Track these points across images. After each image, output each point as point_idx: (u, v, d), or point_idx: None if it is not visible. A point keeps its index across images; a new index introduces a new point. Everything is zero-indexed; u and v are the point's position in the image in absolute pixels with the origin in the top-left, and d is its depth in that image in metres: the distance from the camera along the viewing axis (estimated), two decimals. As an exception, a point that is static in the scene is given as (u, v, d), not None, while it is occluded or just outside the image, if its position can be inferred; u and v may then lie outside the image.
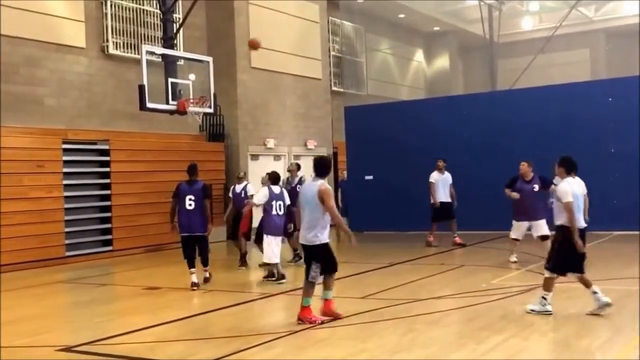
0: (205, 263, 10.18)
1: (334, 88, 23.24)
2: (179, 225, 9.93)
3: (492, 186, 14.45)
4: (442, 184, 13.87)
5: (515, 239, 11.25)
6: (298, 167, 12.90)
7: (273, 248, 9.99)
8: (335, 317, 7.27)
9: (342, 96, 23.53)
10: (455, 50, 32.14)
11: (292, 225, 10.52)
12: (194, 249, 9.97)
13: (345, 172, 19.98)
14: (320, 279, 7.34)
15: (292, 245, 11.92)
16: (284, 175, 13.55)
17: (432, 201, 13.86)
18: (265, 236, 10.10)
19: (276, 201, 10.13)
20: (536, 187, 11.16)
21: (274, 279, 10.03)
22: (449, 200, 13.90)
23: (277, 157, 19.23)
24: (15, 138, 13.22)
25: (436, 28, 30.49)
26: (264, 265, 10.60)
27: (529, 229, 11.20)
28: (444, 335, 6.60)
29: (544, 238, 10.84)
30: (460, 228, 14.07)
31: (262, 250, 10.43)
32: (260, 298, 9.13)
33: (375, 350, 6.07)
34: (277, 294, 9.29)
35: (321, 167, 7.38)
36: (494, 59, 28.42)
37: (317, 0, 21.25)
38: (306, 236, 7.25)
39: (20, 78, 13.78)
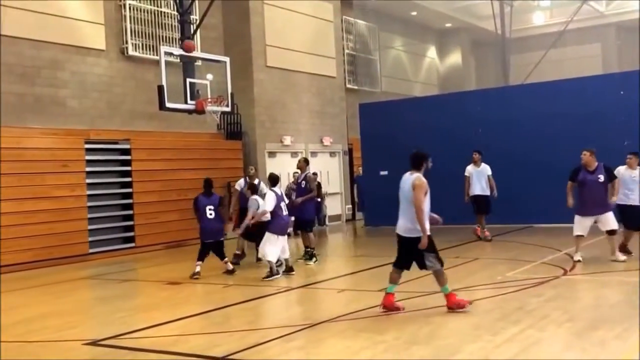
0: (222, 257, 10.84)
1: (349, 85, 23.36)
2: (203, 233, 10.78)
3: (506, 180, 14.56)
4: (477, 177, 13.60)
5: (580, 236, 10.14)
6: (307, 162, 12.70)
7: (278, 246, 10.20)
8: (395, 309, 7.28)
9: (356, 93, 23.65)
10: (467, 46, 32.14)
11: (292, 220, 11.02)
12: (209, 251, 10.77)
13: (360, 167, 20.17)
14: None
15: (304, 242, 12.03)
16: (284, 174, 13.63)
17: (465, 196, 13.64)
18: (270, 234, 10.19)
19: (282, 202, 10.50)
20: (601, 178, 9.97)
21: (273, 277, 10.06)
22: (486, 193, 13.60)
23: (293, 154, 19.40)
24: (38, 139, 13.51)
25: (448, 25, 30.50)
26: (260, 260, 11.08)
27: (595, 222, 10.17)
28: (460, 327, 6.63)
29: (611, 232, 10.00)
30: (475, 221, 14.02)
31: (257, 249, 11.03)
32: (278, 292, 9.20)
33: (393, 342, 6.12)
34: (295, 288, 9.44)
35: (414, 160, 7.43)
36: (506, 55, 28.38)
37: (331, 0, 21.40)
38: (403, 227, 7.34)
39: (42, 80, 14.04)
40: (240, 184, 12.56)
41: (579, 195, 10.10)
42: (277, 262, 10.21)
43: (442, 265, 7.29)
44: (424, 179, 7.26)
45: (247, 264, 11.94)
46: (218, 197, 11.03)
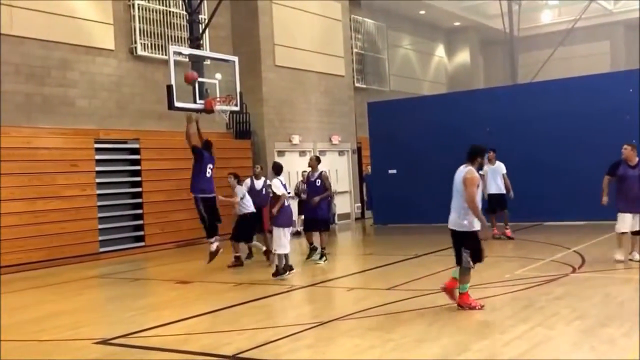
0: (218, 217, 11.41)
1: (357, 84, 23.37)
2: (201, 190, 11.14)
3: (515, 178, 14.51)
4: (492, 175, 13.43)
5: (623, 233, 9.79)
6: (318, 160, 12.21)
7: (288, 237, 10.11)
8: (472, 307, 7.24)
9: (365, 92, 23.65)
10: (475, 45, 32.09)
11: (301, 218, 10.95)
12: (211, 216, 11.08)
13: (369, 166, 20.19)
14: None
15: (321, 243, 11.76)
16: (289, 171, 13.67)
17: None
18: (278, 228, 10.05)
19: (287, 191, 10.44)
20: None
21: (285, 274, 10.04)
22: (502, 191, 13.44)
23: (302, 153, 19.44)
24: (48, 139, 13.60)
25: (457, 23, 30.46)
26: (268, 254, 11.31)
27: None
28: (469, 324, 6.65)
29: (636, 233, 9.75)
30: (488, 219, 13.86)
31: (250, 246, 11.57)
32: (288, 291, 9.23)
33: (402, 340, 6.13)
34: (304, 287, 9.47)
35: (469, 153, 7.44)
36: (515, 53, 28.30)
37: (339, -1, 21.46)
38: (454, 221, 7.32)
39: (52, 80, 14.12)
40: (247, 183, 12.59)
41: (618, 191, 9.86)
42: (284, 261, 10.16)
43: (474, 265, 7.29)
44: (475, 173, 7.28)
45: (256, 262, 11.98)
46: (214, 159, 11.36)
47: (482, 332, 6.33)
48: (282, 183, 10.37)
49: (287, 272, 10.11)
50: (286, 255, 10.14)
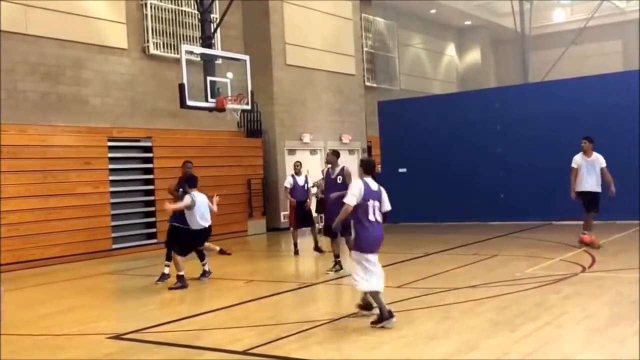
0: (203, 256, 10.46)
1: (368, 83, 23.43)
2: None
3: (525, 177, 14.56)
4: (587, 170, 11.19)
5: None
6: (337, 154, 10.58)
7: (378, 267, 7.00)
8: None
9: (375, 91, 23.70)
10: (486, 43, 32.04)
11: (321, 217, 10.36)
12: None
13: (379, 165, 20.23)
14: None
15: (347, 246, 9.41)
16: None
17: (571, 191, 11.29)
18: (358, 253, 6.90)
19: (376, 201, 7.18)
20: None
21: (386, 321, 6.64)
22: (598, 189, 11.20)
23: (313, 152, 19.54)
24: (62, 136, 13.75)
25: (467, 22, 30.43)
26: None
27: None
28: (478, 322, 6.65)
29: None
30: (498, 218, 13.57)
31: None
32: (298, 288, 9.28)
33: (412, 337, 6.16)
34: (314, 284, 9.53)
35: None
36: (526, 52, 28.26)
37: (350, -2, 21.51)
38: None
39: (66, 79, 14.27)
40: (289, 182, 12.85)
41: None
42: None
43: None
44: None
45: (267, 257, 12.04)
46: None
47: (492, 330, 6.33)
48: (366, 186, 6.86)
49: (393, 317, 6.63)
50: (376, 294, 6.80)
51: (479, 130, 16.77)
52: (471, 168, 14.93)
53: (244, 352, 5.97)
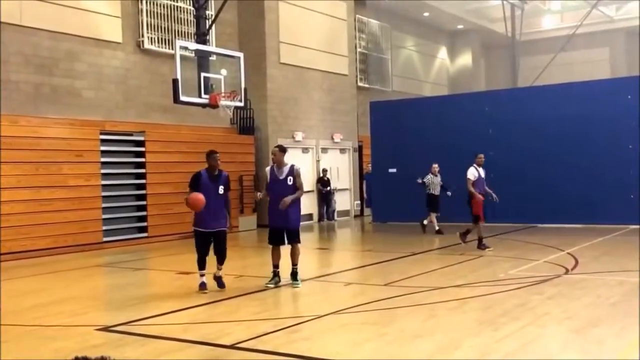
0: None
1: (360, 84, 23.54)
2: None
3: (512, 180, 14.73)
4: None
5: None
6: (283, 150, 9.25)
7: None
8: None
9: (367, 92, 23.82)
10: (478, 48, 32.31)
11: None
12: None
13: (369, 165, 20.39)
14: None
15: (273, 259, 9.10)
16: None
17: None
18: None
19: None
20: None
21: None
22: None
23: (305, 150, 19.65)
24: (55, 129, 13.76)
25: (460, 26, 30.66)
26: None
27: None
28: (462, 321, 6.74)
29: None
30: (487, 220, 13.54)
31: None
32: (287, 284, 9.27)
33: (397, 335, 6.24)
34: (303, 280, 9.55)
35: None
36: (516, 57, 28.52)
37: (344, -1, 21.62)
38: None
39: (60, 71, 14.29)
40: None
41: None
42: None
43: None
44: None
45: (257, 254, 12.09)
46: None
47: (476, 329, 6.42)
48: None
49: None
50: None
51: (468, 133, 16.92)
52: (459, 170, 15.03)
53: (231, 346, 6.03)
